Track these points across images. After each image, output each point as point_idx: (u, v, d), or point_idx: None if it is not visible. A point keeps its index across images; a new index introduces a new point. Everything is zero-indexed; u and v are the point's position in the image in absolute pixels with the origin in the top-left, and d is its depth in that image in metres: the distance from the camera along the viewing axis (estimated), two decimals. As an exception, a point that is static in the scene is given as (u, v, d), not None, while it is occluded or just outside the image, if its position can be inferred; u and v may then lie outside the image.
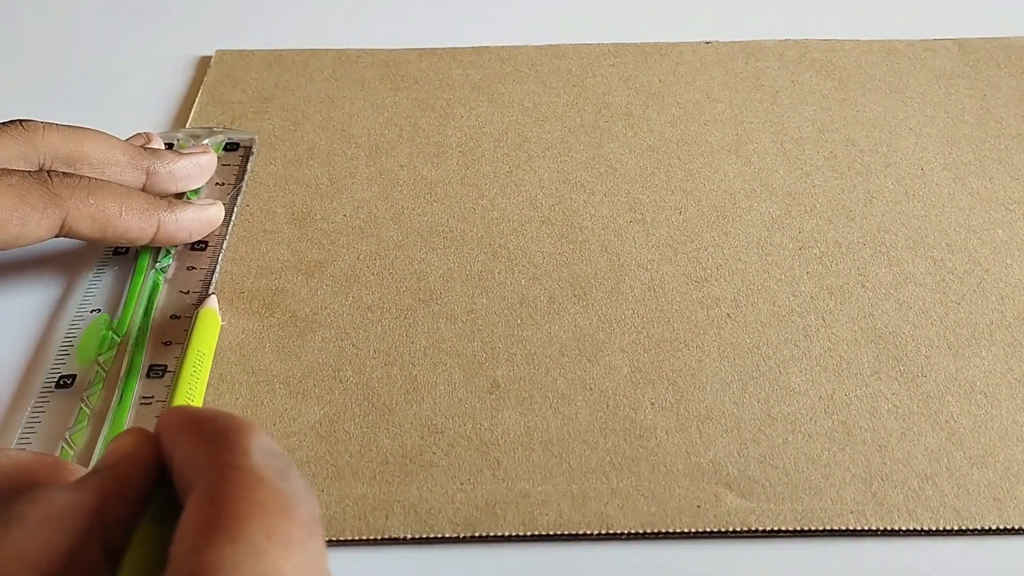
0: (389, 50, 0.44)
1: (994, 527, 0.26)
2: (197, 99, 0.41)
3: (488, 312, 0.32)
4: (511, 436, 0.28)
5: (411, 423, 0.29)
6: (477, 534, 0.26)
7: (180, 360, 0.29)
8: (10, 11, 0.48)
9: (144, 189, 0.33)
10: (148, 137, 0.36)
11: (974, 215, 0.36)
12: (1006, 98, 0.41)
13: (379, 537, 0.26)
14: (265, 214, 0.36)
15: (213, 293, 0.32)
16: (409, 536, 0.26)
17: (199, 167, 0.35)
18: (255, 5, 0.49)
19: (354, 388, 0.30)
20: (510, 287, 0.33)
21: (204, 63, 0.44)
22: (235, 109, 0.41)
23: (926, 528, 0.26)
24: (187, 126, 0.40)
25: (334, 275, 0.33)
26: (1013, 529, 0.26)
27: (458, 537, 0.26)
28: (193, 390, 0.28)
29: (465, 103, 0.41)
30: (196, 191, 0.36)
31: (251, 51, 0.44)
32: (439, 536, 0.26)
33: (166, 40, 0.46)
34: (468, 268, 0.34)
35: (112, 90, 0.43)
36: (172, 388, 0.28)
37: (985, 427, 0.29)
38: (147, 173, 0.33)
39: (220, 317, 0.31)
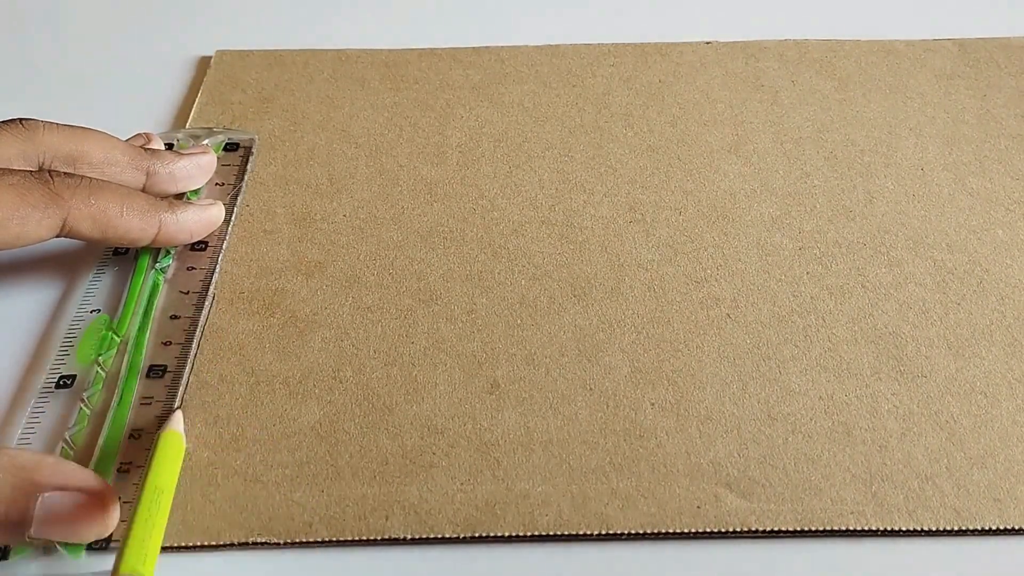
0: (389, 50, 0.44)
1: (994, 527, 0.26)
2: (197, 99, 0.41)
3: (488, 312, 0.32)
4: (511, 436, 0.28)
5: (411, 423, 0.29)
6: (477, 534, 0.26)
7: (136, 495, 0.25)
8: (10, 11, 0.48)
9: (144, 190, 0.33)
10: (148, 137, 0.36)
11: (974, 215, 0.36)
12: (1006, 98, 0.41)
13: (379, 537, 0.26)
14: (265, 214, 0.36)
15: (178, 408, 0.28)
16: (409, 536, 0.26)
17: (199, 167, 0.35)
18: (255, 5, 0.49)
19: (354, 388, 0.30)
20: (510, 287, 0.33)
21: (204, 63, 0.44)
22: (235, 109, 0.41)
23: (926, 528, 0.26)
24: (187, 126, 0.40)
25: (334, 275, 0.33)
26: (1013, 529, 0.26)
27: (458, 537, 0.26)
28: (147, 541, 0.24)
29: (465, 103, 0.41)
30: (196, 191, 0.36)
31: (251, 51, 0.44)
32: (439, 536, 0.26)
33: (166, 40, 0.46)
34: (468, 268, 0.34)
35: (112, 90, 0.43)
36: (124, 537, 0.24)
37: (985, 427, 0.29)
38: (147, 174, 0.33)
39: (184, 439, 0.28)
